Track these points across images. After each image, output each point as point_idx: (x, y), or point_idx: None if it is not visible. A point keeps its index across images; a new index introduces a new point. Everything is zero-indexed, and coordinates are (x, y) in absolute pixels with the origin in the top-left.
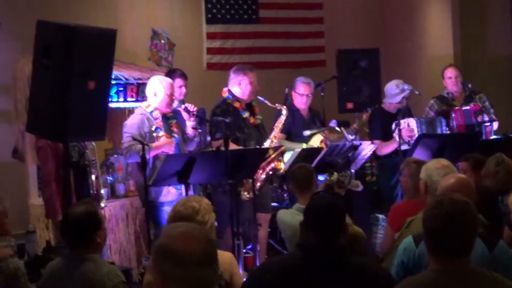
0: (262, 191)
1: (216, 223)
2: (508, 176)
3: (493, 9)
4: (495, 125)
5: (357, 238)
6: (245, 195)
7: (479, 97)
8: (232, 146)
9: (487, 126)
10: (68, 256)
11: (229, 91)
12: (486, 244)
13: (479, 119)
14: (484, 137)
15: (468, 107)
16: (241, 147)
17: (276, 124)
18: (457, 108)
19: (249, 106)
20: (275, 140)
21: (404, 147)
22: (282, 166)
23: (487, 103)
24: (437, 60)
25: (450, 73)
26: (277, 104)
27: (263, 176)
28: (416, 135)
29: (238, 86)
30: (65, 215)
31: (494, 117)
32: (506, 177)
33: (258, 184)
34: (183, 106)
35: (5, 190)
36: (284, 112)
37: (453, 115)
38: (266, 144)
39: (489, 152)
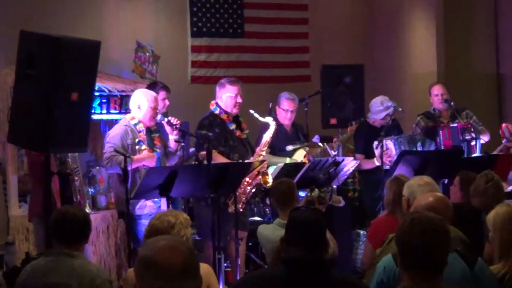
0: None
1: (197, 237)
2: (497, 195)
3: (477, 27)
4: (485, 138)
5: None
6: (233, 208)
7: (466, 114)
8: (218, 157)
9: (473, 144)
10: (55, 252)
11: (217, 103)
12: (466, 262)
13: (467, 136)
14: (471, 154)
15: (455, 125)
16: (224, 160)
17: (264, 139)
18: (444, 124)
19: (236, 120)
20: (263, 154)
21: (386, 167)
22: (270, 180)
23: (474, 118)
24: (421, 77)
25: (437, 90)
26: (266, 119)
27: (251, 189)
28: (395, 156)
29: (222, 99)
30: (61, 212)
31: (484, 129)
32: (495, 196)
33: (244, 198)
34: (166, 120)
35: None
36: (272, 126)
37: (440, 132)
38: (253, 158)
39: (472, 170)
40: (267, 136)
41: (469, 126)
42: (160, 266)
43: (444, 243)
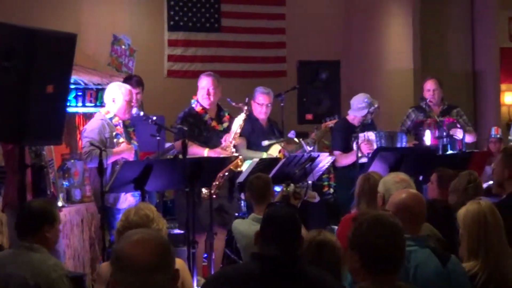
0: (222, 203)
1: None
2: (475, 196)
3: (453, 24)
4: (469, 139)
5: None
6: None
7: (457, 112)
8: (193, 146)
9: (458, 139)
10: (17, 245)
11: (196, 97)
12: (439, 258)
13: (452, 132)
14: (455, 150)
15: (443, 119)
16: (199, 148)
17: (232, 127)
18: (431, 120)
19: (218, 114)
20: (232, 145)
21: (363, 160)
22: (240, 164)
23: (464, 117)
24: (397, 74)
25: (429, 85)
26: (240, 104)
27: (223, 174)
28: (375, 148)
29: (198, 92)
30: (23, 206)
31: (472, 130)
32: (473, 197)
33: (217, 182)
34: (142, 113)
35: None
36: (243, 113)
37: (427, 127)
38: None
39: (447, 167)
40: (236, 125)
41: (455, 122)
42: (129, 259)
43: (403, 243)
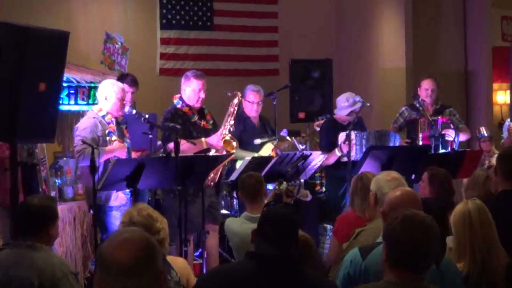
0: (212, 201)
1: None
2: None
3: (446, 23)
4: (463, 137)
5: (306, 244)
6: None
7: (449, 112)
8: (186, 145)
9: (449, 140)
10: (18, 245)
11: (180, 97)
12: None
13: (445, 131)
14: (447, 149)
15: (436, 118)
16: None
17: (229, 111)
18: (424, 118)
19: (200, 112)
20: (227, 132)
21: (344, 159)
22: (234, 145)
23: (457, 116)
24: (389, 73)
25: (427, 85)
26: (235, 92)
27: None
28: (354, 148)
29: (185, 92)
30: (23, 204)
31: (465, 127)
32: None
33: (213, 174)
34: (134, 111)
35: None
36: (237, 98)
37: (420, 125)
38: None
39: (440, 166)
40: (230, 108)
41: (448, 122)
42: (108, 260)
43: (435, 242)
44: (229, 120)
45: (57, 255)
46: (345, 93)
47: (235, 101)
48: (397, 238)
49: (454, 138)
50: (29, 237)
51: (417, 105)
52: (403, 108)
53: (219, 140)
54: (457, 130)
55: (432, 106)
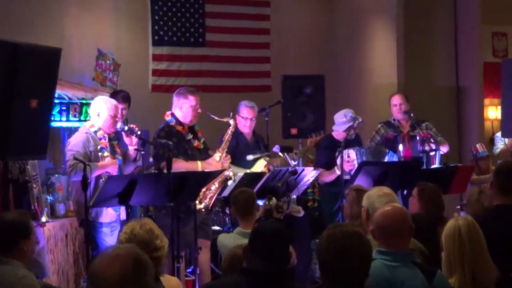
0: (203, 217)
1: None
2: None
3: (437, 39)
4: (444, 149)
5: None
6: (199, 205)
7: (426, 125)
8: (180, 163)
9: (432, 154)
10: None
11: (172, 114)
12: (425, 274)
13: (426, 147)
14: (430, 165)
15: (416, 135)
16: (187, 164)
17: (224, 137)
18: (404, 134)
19: (192, 130)
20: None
21: (346, 177)
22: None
23: (434, 129)
24: (382, 88)
25: (396, 100)
26: (225, 118)
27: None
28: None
29: (180, 110)
30: None
31: (443, 140)
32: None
33: (211, 195)
34: (127, 127)
35: None
36: (231, 122)
37: (400, 142)
38: (216, 156)
39: (432, 181)
40: (226, 136)
41: (429, 136)
42: (96, 276)
43: (366, 256)
44: (226, 147)
45: (24, 270)
46: (343, 109)
47: (231, 128)
48: (323, 259)
49: (436, 153)
50: (1, 253)
51: (392, 121)
52: (379, 126)
53: (217, 167)
54: (437, 144)
55: (407, 122)
